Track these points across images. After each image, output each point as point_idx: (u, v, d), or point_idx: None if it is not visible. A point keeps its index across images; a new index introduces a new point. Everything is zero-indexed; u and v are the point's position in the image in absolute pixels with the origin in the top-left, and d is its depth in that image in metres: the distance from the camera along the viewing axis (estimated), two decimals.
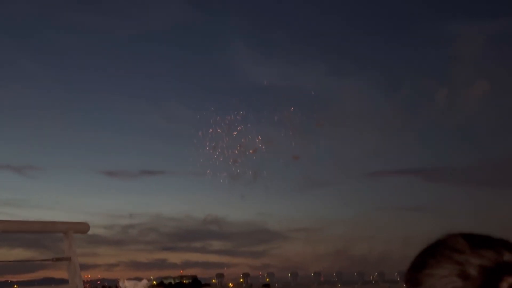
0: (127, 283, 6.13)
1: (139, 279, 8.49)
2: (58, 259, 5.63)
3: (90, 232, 5.99)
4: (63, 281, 5.80)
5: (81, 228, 5.85)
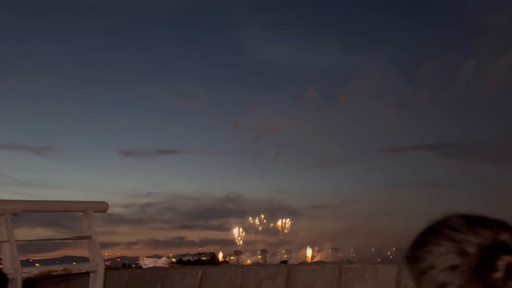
0: (147, 260, 6.24)
1: (158, 256, 8.64)
2: (78, 238, 5.73)
3: (108, 211, 6.08)
4: (84, 259, 5.91)
5: (101, 207, 5.94)
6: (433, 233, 1.28)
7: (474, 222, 1.26)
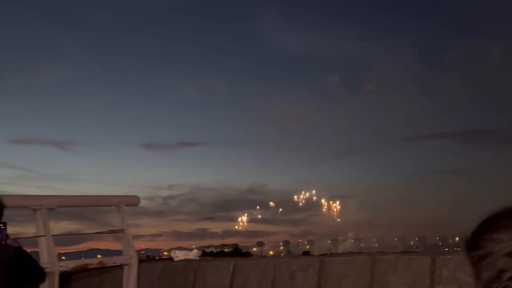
0: (178, 253, 6.31)
1: (181, 248, 8.71)
2: (112, 232, 5.82)
3: None
4: (108, 252, 6.02)
5: (132, 201, 6.02)
6: (491, 222, 1.34)
7: None
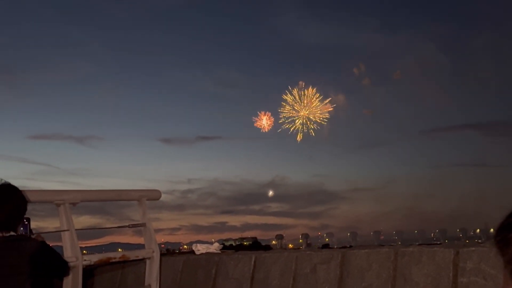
0: (200, 246, 6.33)
1: (201, 241, 8.75)
2: (134, 226, 5.86)
3: None
4: (128, 246, 6.07)
5: (154, 195, 6.05)
6: None
7: None
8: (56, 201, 5.15)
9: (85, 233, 5.97)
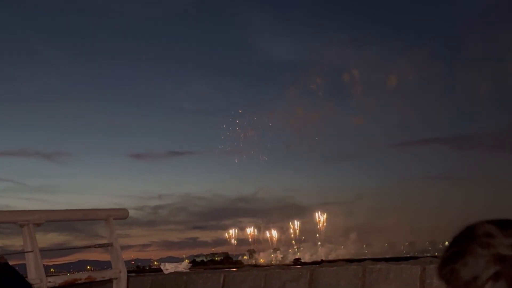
0: (168, 265, 6.26)
1: (171, 258, 8.74)
2: (100, 246, 5.76)
3: None
4: (98, 263, 6.00)
5: (121, 214, 5.97)
6: (466, 242, 1.26)
7: (505, 225, 1.25)
8: (19, 221, 5.03)
9: (52, 251, 5.85)
